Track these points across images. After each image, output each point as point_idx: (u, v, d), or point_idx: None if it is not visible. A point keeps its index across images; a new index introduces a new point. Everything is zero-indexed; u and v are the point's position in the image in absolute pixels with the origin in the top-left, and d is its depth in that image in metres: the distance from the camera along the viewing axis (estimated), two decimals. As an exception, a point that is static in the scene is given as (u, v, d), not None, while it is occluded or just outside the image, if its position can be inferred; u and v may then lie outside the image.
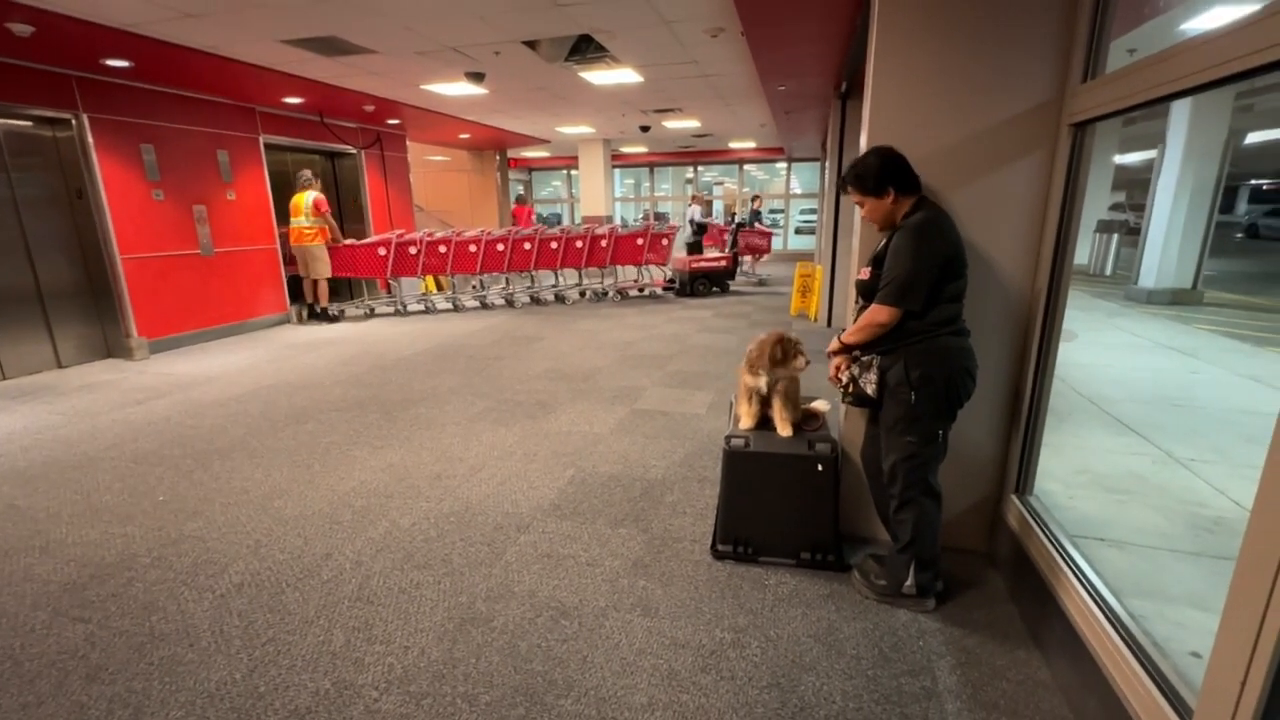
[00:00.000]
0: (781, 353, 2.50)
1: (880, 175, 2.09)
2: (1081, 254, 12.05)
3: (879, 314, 2.06)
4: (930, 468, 2.15)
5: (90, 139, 5.71)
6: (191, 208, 6.70)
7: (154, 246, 6.33)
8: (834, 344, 2.28)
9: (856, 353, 2.23)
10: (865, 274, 2.20)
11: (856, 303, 2.27)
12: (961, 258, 2.04)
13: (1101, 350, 5.89)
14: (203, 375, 5.53)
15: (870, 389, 2.17)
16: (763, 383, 2.57)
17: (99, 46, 4.88)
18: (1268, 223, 19.94)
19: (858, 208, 2.26)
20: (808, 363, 2.52)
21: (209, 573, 2.53)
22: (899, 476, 2.16)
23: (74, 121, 5.65)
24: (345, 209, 9.38)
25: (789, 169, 17.43)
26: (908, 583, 2.22)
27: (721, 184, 23.39)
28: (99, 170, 5.79)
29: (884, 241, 2.14)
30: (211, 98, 6.84)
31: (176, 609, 2.30)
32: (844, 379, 2.27)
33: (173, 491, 3.26)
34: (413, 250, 8.30)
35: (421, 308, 8.77)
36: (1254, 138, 18.06)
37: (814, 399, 2.84)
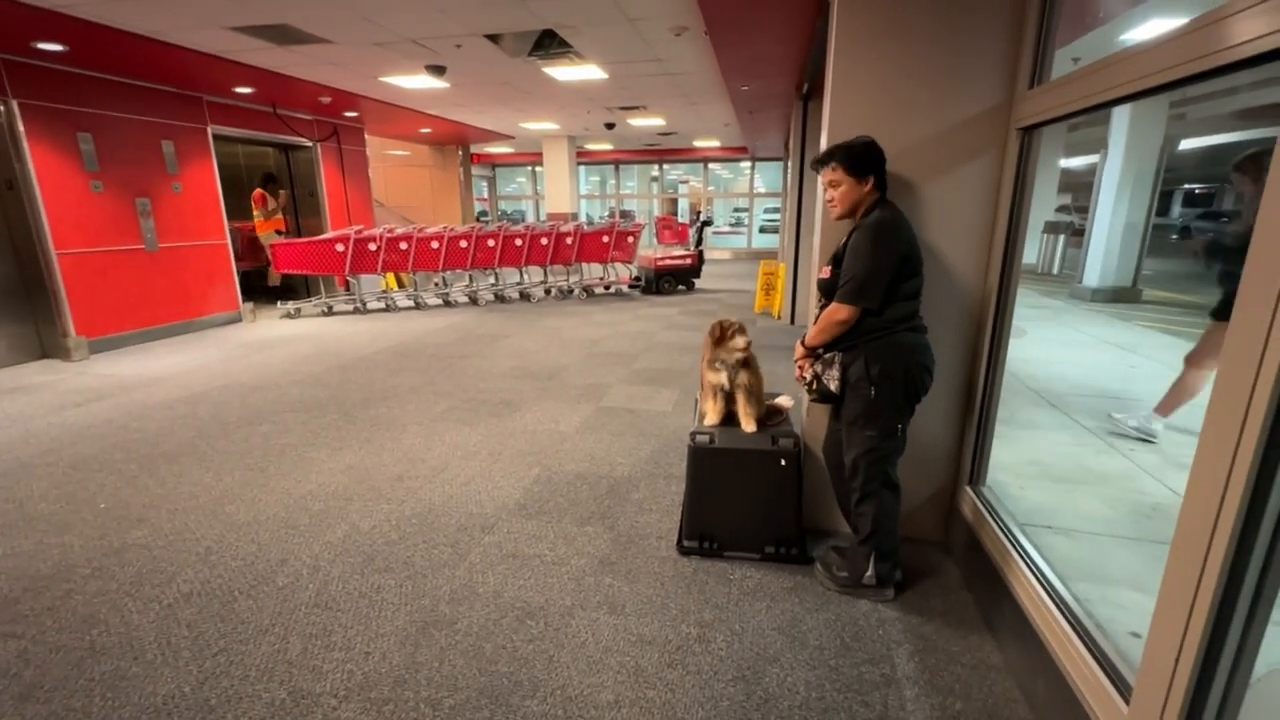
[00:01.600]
0: (720, 332, 2.55)
1: (869, 160, 2.12)
2: (1030, 254, 12.55)
3: (838, 312, 2.11)
4: (890, 461, 2.21)
5: (21, 127, 5.38)
6: (134, 200, 6.38)
7: (93, 241, 6.01)
8: (799, 349, 2.34)
9: (820, 350, 2.27)
10: (826, 273, 2.25)
11: (819, 301, 2.31)
12: (917, 256, 2.10)
13: (1049, 346, 6.14)
14: (148, 376, 5.29)
15: (833, 385, 2.21)
16: (723, 376, 2.59)
17: (29, 28, 4.59)
18: (1200, 225, 21.09)
19: (823, 198, 2.27)
20: (749, 343, 2.56)
21: (155, 582, 2.41)
22: (860, 470, 2.21)
23: (2, 108, 5.31)
24: (301, 203, 9.08)
25: (753, 168, 17.63)
26: (868, 574, 2.27)
27: (687, 182, 23.52)
28: (31, 160, 5.46)
29: (843, 241, 2.19)
30: (155, 85, 6.52)
31: (119, 621, 2.19)
32: (808, 376, 2.31)
33: (115, 498, 3.10)
34: (372, 247, 8.09)
35: (382, 305, 8.55)
36: (1187, 144, 19.11)
37: (778, 395, 2.89)
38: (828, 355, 2.24)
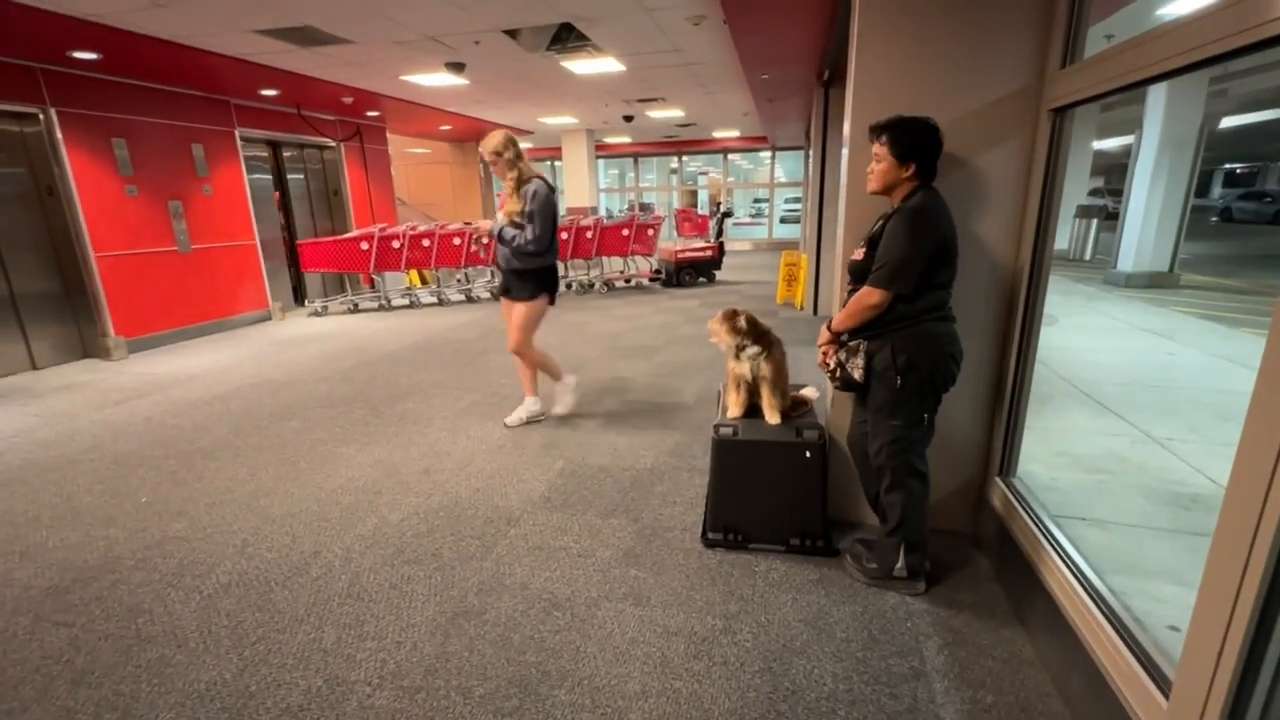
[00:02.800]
0: (744, 323, 2.58)
1: (917, 145, 2.02)
2: (1061, 239, 12.21)
3: (870, 296, 2.06)
4: (916, 451, 2.17)
5: (59, 134, 5.57)
6: (167, 203, 6.56)
7: (129, 243, 6.20)
8: (824, 334, 2.30)
9: (844, 338, 2.24)
10: (859, 255, 2.17)
11: (847, 285, 2.27)
12: (953, 246, 2.04)
13: (1082, 334, 5.98)
14: (184, 374, 5.45)
15: (857, 374, 2.18)
16: (745, 368, 2.58)
17: (65, 38, 4.74)
18: (1241, 206, 20.32)
19: (870, 167, 2.15)
20: (759, 352, 2.59)
21: (195, 573, 2.50)
22: (885, 460, 2.18)
23: (42, 116, 5.49)
24: (325, 203, 9.24)
25: (773, 158, 17.43)
26: (898, 565, 2.25)
27: (706, 174, 23.35)
28: (69, 166, 5.65)
29: (878, 223, 2.14)
30: (185, 90, 6.68)
31: (163, 611, 2.27)
32: (831, 364, 2.28)
33: (155, 492, 3.21)
34: (396, 244, 8.20)
35: (406, 302, 8.68)
36: (1228, 123, 18.36)
37: (802, 386, 2.86)
38: (853, 343, 2.20)
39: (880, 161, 2.09)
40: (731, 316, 2.60)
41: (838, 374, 2.26)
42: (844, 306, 2.22)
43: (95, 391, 5.02)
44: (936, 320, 2.06)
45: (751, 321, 2.59)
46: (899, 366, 2.07)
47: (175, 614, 2.25)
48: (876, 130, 2.10)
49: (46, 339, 5.85)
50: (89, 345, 6.11)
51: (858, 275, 2.17)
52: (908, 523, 2.20)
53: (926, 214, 2.01)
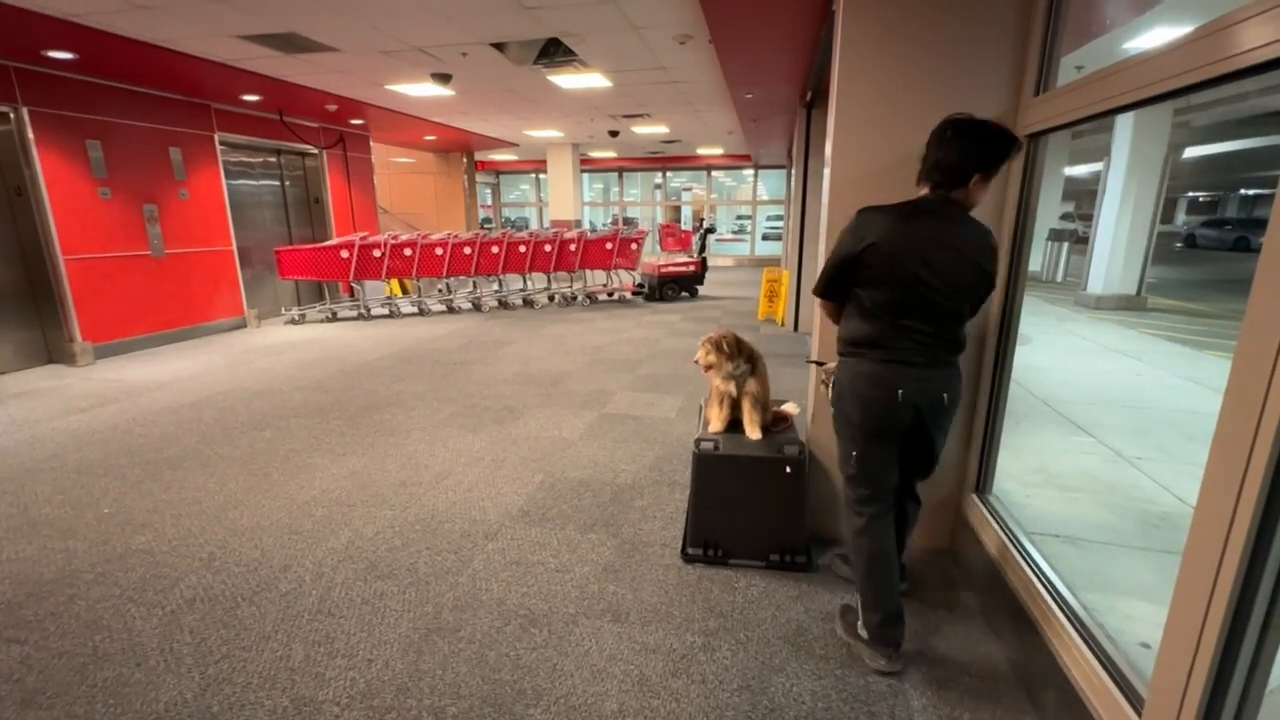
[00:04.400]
0: (730, 348, 2.56)
1: (925, 161, 1.89)
2: (1034, 261, 12.50)
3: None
4: (855, 493, 1.99)
5: (31, 133, 5.43)
6: (141, 207, 6.43)
7: (100, 247, 6.05)
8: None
9: (826, 363, 2.20)
10: None
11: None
12: (869, 263, 1.79)
13: (1054, 353, 6.12)
14: (153, 381, 5.30)
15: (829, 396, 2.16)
16: (732, 385, 2.59)
17: (40, 37, 4.64)
18: (1204, 233, 21.10)
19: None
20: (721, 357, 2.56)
21: (158, 588, 2.41)
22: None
23: (12, 115, 5.36)
24: (306, 210, 9.13)
25: (756, 176, 17.67)
26: (859, 624, 2.02)
27: (690, 190, 23.59)
28: (40, 166, 5.51)
29: None
30: (164, 93, 6.58)
31: (122, 627, 2.19)
32: (823, 376, 2.25)
33: (119, 503, 3.10)
34: (377, 253, 8.12)
35: (386, 311, 8.58)
36: (1191, 152, 19.11)
37: (783, 402, 2.88)
38: (831, 366, 2.15)
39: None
40: (719, 345, 2.54)
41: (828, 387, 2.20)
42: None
43: (59, 398, 4.86)
44: (857, 358, 1.91)
45: (737, 342, 2.59)
46: (830, 398, 2.03)
47: (135, 630, 2.17)
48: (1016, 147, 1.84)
49: (9, 343, 5.66)
50: (54, 350, 5.92)
51: None
52: (858, 576, 2.01)
53: (852, 220, 1.87)
